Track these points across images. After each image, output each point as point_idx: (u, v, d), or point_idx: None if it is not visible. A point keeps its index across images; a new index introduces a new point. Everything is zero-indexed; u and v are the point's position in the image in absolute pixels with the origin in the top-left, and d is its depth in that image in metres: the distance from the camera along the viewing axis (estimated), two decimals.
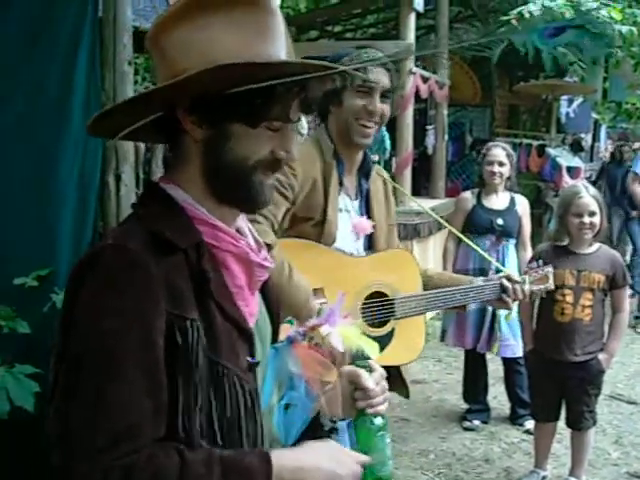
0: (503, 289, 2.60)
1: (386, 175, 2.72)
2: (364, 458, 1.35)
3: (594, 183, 8.56)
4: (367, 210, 2.54)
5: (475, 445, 4.64)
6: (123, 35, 2.63)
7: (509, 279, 2.62)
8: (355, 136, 2.38)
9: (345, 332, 1.55)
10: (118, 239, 1.22)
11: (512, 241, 4.84)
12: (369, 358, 1.49)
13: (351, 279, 2.36)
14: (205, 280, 1.25)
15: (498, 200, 4.81)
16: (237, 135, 1.26)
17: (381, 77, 2.36)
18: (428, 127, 8.14)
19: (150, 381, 1.16)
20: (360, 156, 2.50)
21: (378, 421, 1.46)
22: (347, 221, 2.46)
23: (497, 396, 5.46)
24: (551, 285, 2.88)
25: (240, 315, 1.32)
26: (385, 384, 1.50)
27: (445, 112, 8.26)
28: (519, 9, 5.91)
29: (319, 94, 1.39)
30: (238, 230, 1.40)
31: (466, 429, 4.86)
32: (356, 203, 2.51)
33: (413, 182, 7.31)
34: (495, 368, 6.08)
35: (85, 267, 1.21)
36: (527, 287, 2.67)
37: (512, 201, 4.85)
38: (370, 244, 2.53)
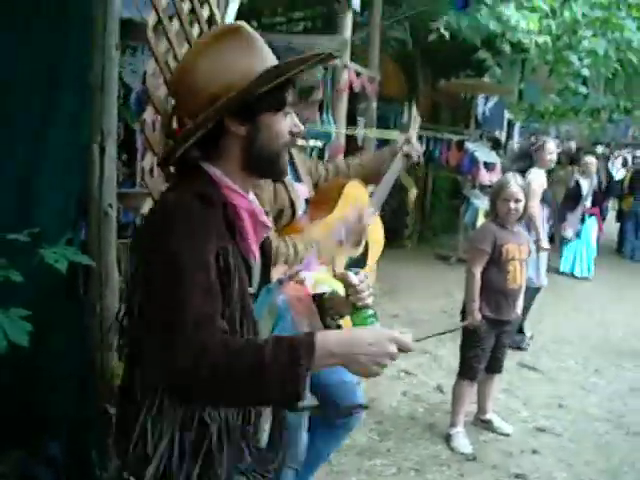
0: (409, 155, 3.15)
1: None
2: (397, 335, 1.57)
3: None
4: (295, 173, 2.87)
5: (401, 406, 5.16)
6: (112, 24, 2.94)
7: (407, 141, 3.16)
8: None
9: (318, 277, 1.99)
10: (181, 199, 1.61)
11: None
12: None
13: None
14: (232, 226, 1.69)
15: None
16: (268, 124, 1.70)
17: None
18: (358, 119, 8.55)
19: (209, 291, 1.54)
20: None
21: (369, 312, 1.87)
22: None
23: (421, 365, 5.99)
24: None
25: (248, 253, 1.76)
26: (369, 282, 1.93)
27: (375, 105, 8.67)
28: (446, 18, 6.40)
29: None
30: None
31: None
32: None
33: None
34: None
35: (160, 217, 1.62)
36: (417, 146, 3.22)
37: None
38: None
